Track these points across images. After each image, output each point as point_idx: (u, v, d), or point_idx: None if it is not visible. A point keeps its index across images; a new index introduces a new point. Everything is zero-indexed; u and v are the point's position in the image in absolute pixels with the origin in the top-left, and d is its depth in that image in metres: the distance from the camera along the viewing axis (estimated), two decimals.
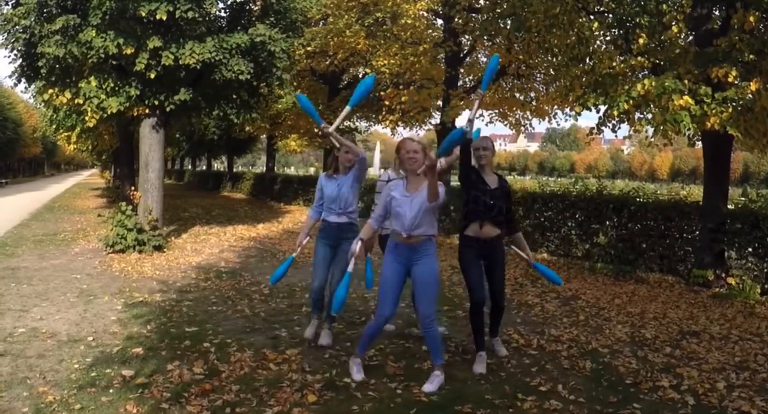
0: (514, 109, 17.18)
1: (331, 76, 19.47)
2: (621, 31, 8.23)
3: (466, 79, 17.24)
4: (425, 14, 15.98)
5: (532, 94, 16.88)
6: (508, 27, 10.35)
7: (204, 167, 48.00)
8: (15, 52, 10.59)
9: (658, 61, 7.94)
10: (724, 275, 7.86)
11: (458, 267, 4.89)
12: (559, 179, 49.52)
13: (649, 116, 7.47)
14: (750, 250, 7.93)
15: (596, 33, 8.50)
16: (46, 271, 8.22)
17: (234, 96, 11.89)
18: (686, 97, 6.90)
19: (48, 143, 60.89)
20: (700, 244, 8.20)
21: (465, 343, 5.15)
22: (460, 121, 19.09)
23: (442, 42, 15.26)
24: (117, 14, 9.56)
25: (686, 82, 7.06)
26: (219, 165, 57.43)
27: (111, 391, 3.94)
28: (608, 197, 9.65)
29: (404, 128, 18.58)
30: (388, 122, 17.56)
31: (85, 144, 23.24)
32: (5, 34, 10.18)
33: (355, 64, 17.30)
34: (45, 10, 9.94)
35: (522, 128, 18.22)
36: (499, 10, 10.74)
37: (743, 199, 8.39)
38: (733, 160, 10.82)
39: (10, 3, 10.48)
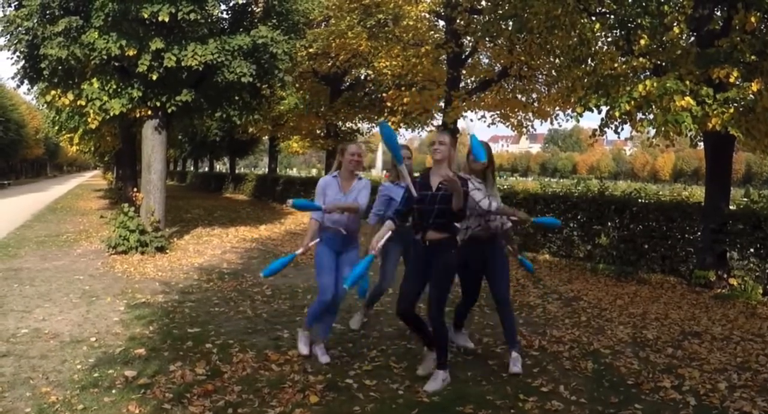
0: (516, 110, 17.18)
1: (333, 77, 19.49)
2: (622, 32, 8.24)
3: (468, 81, 17.25)
4: (427, 16, 15.99)
5: (534, 96, 16.89)
6: (510, 28, 10.35)
7: (206, 169, 48.06)
8: (18, 53, 10.61)
9: (659, 62, 7.95)
10: (725, 276, 7.84)
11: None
12: (561, 180, 49.53)
13: (651, 117, 7.47)
14: (752, 250, 7.91)
15: (598, 34, 8.51)
16: (48, 272, 8.24)
17: (236, 97, 11.91)
18: (687, 98, 6.91)
19: (51, 145, 60.97)
20: (701, 245, 8.19)
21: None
22: (460, 122, 18.95)
23: (443, 43, 15.27)
24: (119, 16, 9.58)
25: (688, 82, 7.06)
26: (221, 166, 57.49)
27: (113, 391, 3.95)
28: (610, 198, 9.65)
29: (406, 129, 18.61)
30: (390, 123, 17.56)
31: (88, 145, 23.26)
32: (8, 36, 10.21)
33: (357, 65, 17.33)
34: (48, 12, 9.96)
35: (524, 129, 18.20)
36: (500, 12, 10.75)
37: (745, 200, 8.37)
38: (735, 161, 10.82)
39: (12, 4, 10.51)
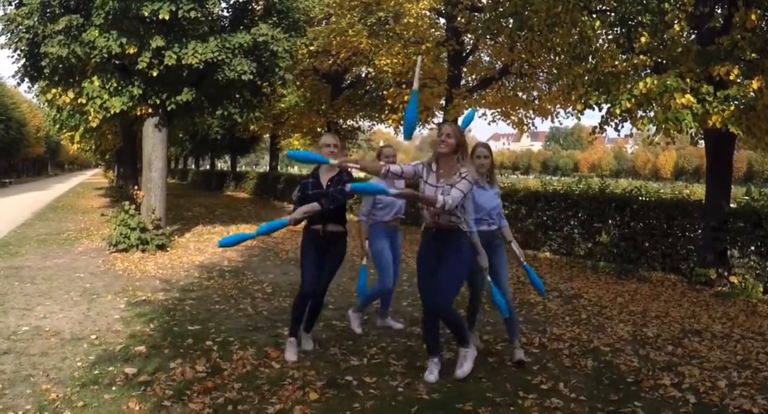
0: (517, 108, 17.19)
1: (334, 75, 19.49)
2: (623, 30, 8.23)
3: (469, 78, 17.25)
4: (427, 13, 15.98)
5: (535, 93, 16.90)
6: (511, 26, 10.33)
7: (207, 167, 48.04)
8: (18, 52, 10.62)
9: (660, 60, 7.94)
10: (726, 274, 7.84)
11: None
12: (562, 178, 49.46)
13: (651, 115, 7.47)
14: (752, 248, 7.91)
15: (598, 32, 8.50)
16: (49, 270, 8.25)
17: (237, 95, 11.91)
18: (688, 96, 6.90)
19: (51, 143, 61.05)
20: (702, 243, 8.19)
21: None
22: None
23: (444, 41, 15.27)
24: (120, 14, 9.59)
25: (688, 80, 7.05)
26: (222, 164, 57.46)
27: (114, 388, 3.96)
28: (611, 196, 9.65)
29: None
30: (390, 121, 17.59)
31: (89, 144, 23.32)
32: (9, 34, 10.23)
33: (357, 63, 17.32)
34: (48, 10, 9.97)
35: (525, 127, 18.22)
36: (501, 9, 10.72)
37: (746, 198, 8.36)
38: (737, 159, 10.83)
39: (13, 3, 10.52)
